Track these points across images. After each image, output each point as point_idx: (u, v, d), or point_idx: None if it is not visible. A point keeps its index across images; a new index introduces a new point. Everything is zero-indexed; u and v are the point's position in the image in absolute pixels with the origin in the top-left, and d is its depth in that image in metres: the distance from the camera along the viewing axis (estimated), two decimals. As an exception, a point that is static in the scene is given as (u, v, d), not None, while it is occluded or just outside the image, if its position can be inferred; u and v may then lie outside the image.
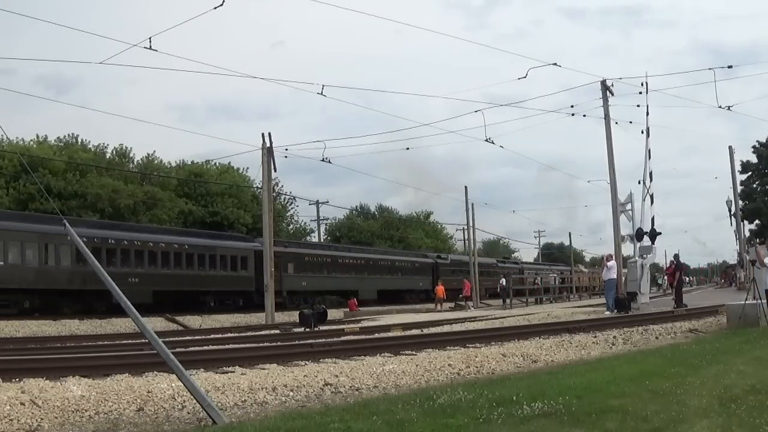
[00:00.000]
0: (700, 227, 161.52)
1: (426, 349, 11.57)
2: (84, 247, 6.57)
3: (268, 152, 25.16)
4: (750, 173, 49.94)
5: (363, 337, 15.12)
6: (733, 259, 51.50)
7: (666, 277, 34.85)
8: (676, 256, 24.33)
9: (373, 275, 42.27)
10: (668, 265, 28.52)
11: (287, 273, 34.40)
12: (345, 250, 44.47)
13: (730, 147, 38.55)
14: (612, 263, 21.44)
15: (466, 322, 20.18)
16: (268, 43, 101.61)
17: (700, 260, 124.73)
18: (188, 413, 6.40)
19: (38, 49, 65.15)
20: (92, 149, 42.34)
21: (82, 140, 42.36)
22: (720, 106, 22.19)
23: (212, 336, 17.78)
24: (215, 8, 15.41)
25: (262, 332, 19.06)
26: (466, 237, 49.28)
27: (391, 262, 46.06)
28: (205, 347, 12.76)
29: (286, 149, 26.32)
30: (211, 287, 31.14)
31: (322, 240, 56.31)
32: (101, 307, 24.94)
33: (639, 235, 21.40)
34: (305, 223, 57.17)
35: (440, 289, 38.36)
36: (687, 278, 61.45)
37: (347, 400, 7.13)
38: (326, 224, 61.14)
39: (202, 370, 8.86)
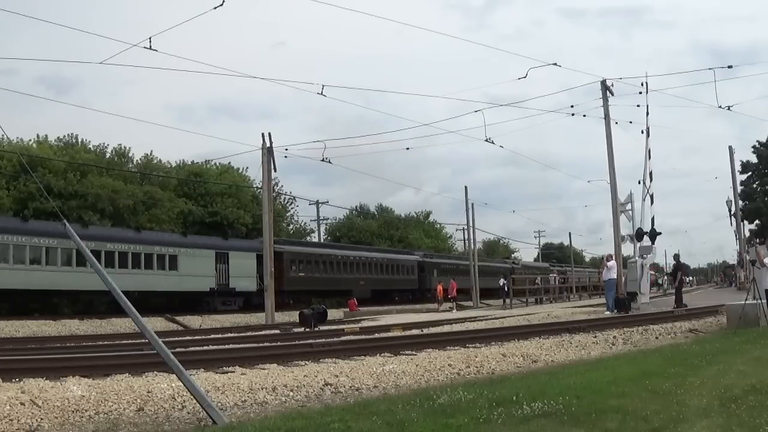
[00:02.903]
0: (700, 227, 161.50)
1: (426, 349, 11.57)
2: (84, 248, 6.56)
3: (268, 152, 25.16)
4: (750, 173, 49.91)
5: (363, 337, 15.13)
6: (733, 259, 51.56)
7: (667, 278, 34.90)
8: (676, 257, 24.36)
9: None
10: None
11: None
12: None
13: (730, 147, 38.61)
14: (612, 263, 21.44)
15: (466, 322, 20.18)
16: (268, 44, 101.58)
17: (700, 260, 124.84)
18: (188, 413, 6.40)
19: (39, 49, 65.21)
20: (92, 149, 42.31)
21: (82, 140, 42.35)
22: (720, 106, 22.20)
23: (212, 336, 17.78)
24: (215, 8, 15.44)
25: (262, 332, 19.06)
26: (466, 237, 49.62)
27: (487, 268, 51.54)
28: (205, 347, 12.77)
29: (286, 149, 26.38)
30: (396, 287, 44.46)
31: (322, 240, 56.31)
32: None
33: (639, 235, 21.39)
34: (305, 223, 57.19)
35: (440, 289, 38.42)
36: (688, 278, 61.61)
37: (347, 400, 7.13)
38: (326, 224, 61.22)
39: (202, 370, 8.86)
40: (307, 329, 18.88)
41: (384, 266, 44.45)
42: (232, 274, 33.51)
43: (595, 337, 13.26)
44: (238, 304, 33.27)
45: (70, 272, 26.54)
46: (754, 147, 49.50)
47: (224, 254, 33.62)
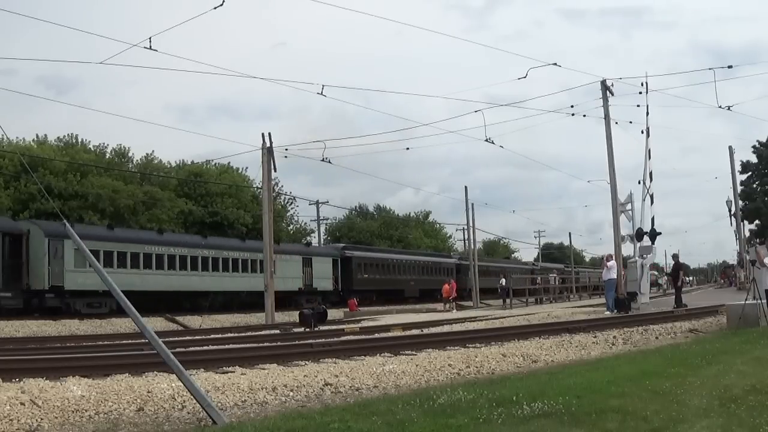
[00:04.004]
0: (700, 227, 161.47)
1: (426, 349, 11.57)
2: (84, 248, 6.56)
3: (268, 152, 25.14)
4: (750, 173, 49.88)
5: (363, 337, 15.12)
6: (733, 259, 51.56)
7: (667, 278, 34.87)
8: (675, 256, 24.33)
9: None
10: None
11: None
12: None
13: (730, 147, 38.59)
14: (612, 263, 21.44)
15: (466, 322, 20.18)
16: (268, 44, 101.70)
17: (700, 260, 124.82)
18: (188, 413, 6.40)
19: (38, 49, 65.25)
20: (92, 149, 42.31)
21: (82, 140, 42.37)
22: (720, 106, 22.16)
23: (212, 336, 17.77)
24: (215, 8, 15.42)
25: (262, 332, 19.06)
26: (466, 237, 49.87)
27: (511, 269, 53.67)
28: (205, 347, 12.76)
29: (286, 149, 26.33)
30: (439, 286, 42.46)
31: (322, 240, 56.34)
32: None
33: (639, 235, 21.38)
34: (305, 223, 57.19)
35: (446, 289, 37.77)
36: (688, 278, 61.64)
37: (347, 400, 7.13)
38: (326, 224, 61.23)
39: (202, 370, 8.85)
40: (307, 329, 18.88)
41: (429, 268, 48.32)
42: (315, 276, 39.01)
43: (595, 337, 13.26)
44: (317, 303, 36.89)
45: (198, 276, 32.03)
46: (754, 147, 49.48)
47: (309, 259, 39.28)
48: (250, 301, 31.90)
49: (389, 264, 45.57)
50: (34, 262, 26.06)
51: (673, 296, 21.65)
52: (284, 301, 33.50)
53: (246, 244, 35.46)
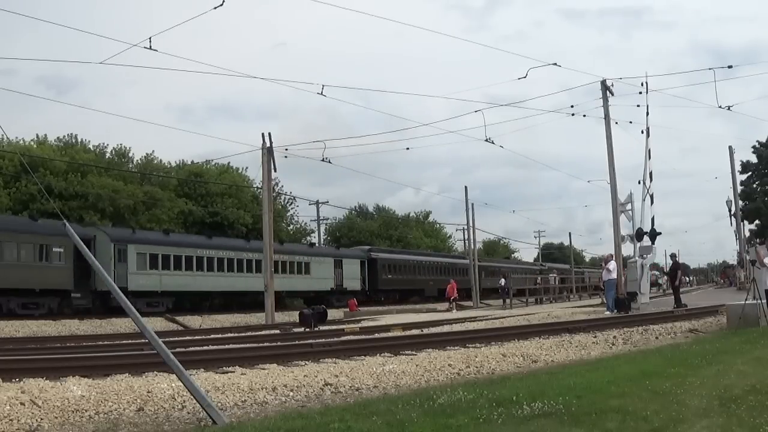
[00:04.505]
0: (700, 227, 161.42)
1: (426, 349, 11.57)
2: (84, 248, 6.57)
3: (268, 152, 25.14)
4: (750, 173, 49.90)
5: (363, 337, 15.12)
6: (733, 259, 51.56)
7: (666, 278, 34.83)
8: (674, 256, 24.33)
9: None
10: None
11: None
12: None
13: (730, 147, 38.58)
14: (612, 263, 21.45)
15: (466, 322, 20.18)
16: (268, 44, 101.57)
17: (700, 260, 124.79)
18: (188, 413, 6.40)
19: (39, 49, 65.09)
20: (92, 149, 42.30)
21: (81, 140, 42.36)
22: (720, 106, 22.17)
23: (212, 336, 17.78)
24: (215, 8, 15.43)
25: (262, 332, 19.06)
26: (466, 237, 50.03)
27: (521, 269, 55.81)
28: (205, 347, 12.77)
29: (286, 149, 26.31)
30: (466, 285, 44.19)
31: (322, 240, 56.33)
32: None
33: (639, 235, 21.38)
34: (305, 223, 57.16)
35: (451, 288, 37.29)
36: (687, 278, 61.61)
37: (347, 400, 7.13)
38: (326, 224, 61.19)
39: (202, 370, 8.86)
40: (307, 329, 18.88)
41: (446, 269, 49.80)
42: (345, 277, 41.73)
43: (595, 337, 13.26)
44: (345, 302, 38.93)
45: (243, 277, 34.54)
46: (754, 147, 49.49)
47: (339, 261, 41.99)
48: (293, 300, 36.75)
49: (411, 265, 48.06)
50: (101, 265, 26.74)
51: (673, 297, 21.63)
52: (316, 300, 36.12)
53: (284, 248, 38.12)
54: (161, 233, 33.40)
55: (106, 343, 15.55)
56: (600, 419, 4.82)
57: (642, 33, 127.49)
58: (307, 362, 9.97)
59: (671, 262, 24.54)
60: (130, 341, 14.83)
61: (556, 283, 45.91)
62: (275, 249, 35.23)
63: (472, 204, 44.83)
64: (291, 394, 7.53)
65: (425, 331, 16.68)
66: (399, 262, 47.21)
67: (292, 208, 53.92)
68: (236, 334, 18.45)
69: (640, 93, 20.96)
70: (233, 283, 34.19)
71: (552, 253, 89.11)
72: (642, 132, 21.53)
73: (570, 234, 67.48)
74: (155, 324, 23.59)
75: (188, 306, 31.62)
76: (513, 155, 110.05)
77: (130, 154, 44.68)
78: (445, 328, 17.44)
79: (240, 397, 7.20)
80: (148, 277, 29.81)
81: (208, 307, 32.56)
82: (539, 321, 18.75)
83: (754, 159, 49.65)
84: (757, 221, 48.76)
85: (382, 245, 56.57)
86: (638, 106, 21.43)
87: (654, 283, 36.77)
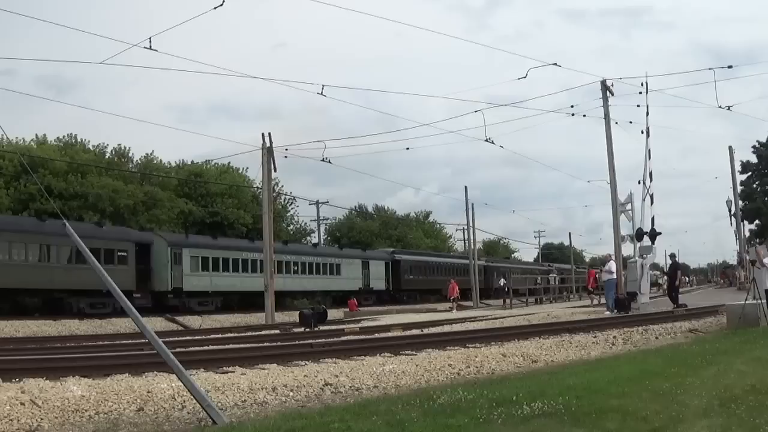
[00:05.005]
0: (700, 227, 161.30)
1: (426, 349, 11.57)
2: (84, 248, 6.56)
3: (268, 152, 25.14)
4: (750, 173, 49.94)
5: (363, 337, 15.12)
6: (733, 259, 51.53)
7: (665, 278, 34.78)
8: (673, 256, 24.32)
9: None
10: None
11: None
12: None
13: (730, 147, 38.55)
14: (612, 264, 21.41)
15: (466, 322, 20.18)
16: (268, 44, 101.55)
17: (700, 260, 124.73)
18: (188, 413, 6.40)
19: (39, 49, 64.93)
20: (92, 149, 42.28)
21: (81, 140, 42.34)
22: (720, 106, 22.15)
23: (212, 336, 17.78)
24: (215, 8, 15.42)
25: (262, 332, 19.06)
26: (466, 237, 50.17)
27: (529, 270, 57.22)
28: (205, 347, 12.77)
29: (286, 149, 26.31)
30: (467, 285, 44.74)
31: (322, 241, 56.31)
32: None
33: (639, 235, 21.34)
34: (305, 223, 57.17)
35: (452, 288, 37.06)
36: (687, 278, 61.53)
37: (347, 400, 7.13)
38: (326, 224, 61.18)
39: (202, 370, 8.86)
40: (307, 329, 18.88)
41: (463, 269, 50.20)
42: (371, 277, 44.70)
43: (595, 337, 13.25)
44: (373, 300, 43.41)
45: (282, 278, 35.61)
46: (754, 147, 49.53)
47: (366, 262, 44.87)
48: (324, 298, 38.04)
49: (431, 266, 50.61)
50: (158, 267, 31.01)
51: (675, 297, 21.59)
52: (344, 299, 38.63)
53: (318, 250, 42.41)
54: (210, 238, 35.89)
55: (106, 343, 15.55)
56: (600, 419, 4.82)
57: (642, 33, 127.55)
58: (307, 362, 9.96)
59: (670, 262, 24.51)
60: (130, 341, 14.83)
61: (556, 283, 45.91)
62: (312, 252, 41.52)
63: (472, 204, 44.96)
64: (291, 394, 7.53)
65: (425, 331, 16.68)
66: (420, 264, 49.80)
67: (292, 208, 53.98)
68: (236, 334, 18.45)
69: (640, 93, 20.92)
70: (275, 283, 35.98)
71: (552, 253, 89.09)
72: (642, 132, 21.49)
73: (570, 234, 67.41)
74: (155, 324, 23.59)
75: (234, 305, 33.57)
76: (513, 155, 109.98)
77: (130, 154, 44.72)
78: (445, 328, 17.44)
79: (240, 397, 7.20)
80: (200, 278, 32.28)
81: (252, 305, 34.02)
82: (539, 321, 18.74)
83: (754, 159, 49.69)
84: (757, 221, 48.80)
85: (382, 245, 56.64)
86: (638, 106, 21.40)
87: (654, 283, 36.76)
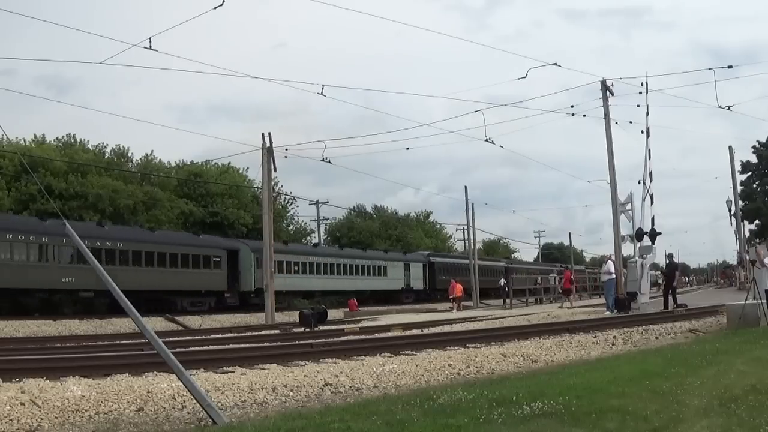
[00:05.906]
0: (700, 227, 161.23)
1: (426, 349, 11.57)
2: (84, 248, 6.57)
3: (268, 152, 25.15)
4: (750, 173, 49.92)
5: (363, 337, 15.12)
6: (733, 259, 51.53)
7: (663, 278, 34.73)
8: (671, 256, 24.30)
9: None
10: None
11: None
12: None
13: (730, 147, 38.54)
14: (610, 264, 21.39)
15: (466, 322, 20.18)
16: (268, 45, 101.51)
17: (700, 260, 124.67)
18: (188, 413, 6.40)
19: (39, 49, 65.04)
20: (92, 149, 42.28)
21: (81, 140, 42.34)
22: (720, 106, 22.16)
23: (212, 336, 17.78)
24: (215, 8, 15.42)
25: (262, 332, 19.07)
26: (466, 237, 50.36)
27: (541, 270, 58.14)
28: (205, 347, 12.76)
29: (286, 149, 26.33)
30: (493, 286, 47.64)
31: (322, 241, 56.29)
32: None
33: (639, 235, 21.34)
34: (305, 223, 57.16)
35: (458, 288, 36.61)
36: (686, 278, 61.49)
37: (347, 400, 7.13)
38: (326, 224, 61.18)
39: (202, 370, 8.85)
40: (307, 329, 18.89)
41: (488, 270, 53.53)
42: (411, 278, 48.67)
43: (595, 337, 13.25)
44: (412, 298, 47.43)
45: (336, 279, 41.23)
46: (754, 147, 49.51)
47: (407, 264, 49.06)
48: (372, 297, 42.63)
49: (462, 267, 52.06)
50: (243, 270, 34.99)
51: (672, 297, 21.58)
52: (388, 299, 43.52)
53: (368, 254, 46.35)
54: (282, 244, 38.27)
55: (106, 343, 15.54)
56: (600, 419, 4.82)
57: (642, 33, 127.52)
58: (307, 362, 9.96)
59: (668, 262, 24.50)
60: (130, 341, 14.83)
61: (557, 283, 45.87)
62: (364, 255, 45.91)
63: (472, 204, 45.06)
64: (291, 394, 7.53)
65: (425, 331, 16.68)
66: (452, 265, 53.26)
67: (292, 208, 53.97)
68: (236, 334, 18.46)
69: (640, 93, 20.92)
70: (329, 284, 40.73)
71: (552, 253, 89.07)
72: (642, 132, 21.48)
73: (570, 234, 67.49)
74: (155, 324, 23.58)
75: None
76: (513, 155, 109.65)
77: (130, 154, 44.71)
78: (445, 328, 17.45)
79: (240, 397, 7.20)
80: (277, 280, 33.98)
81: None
82: (539, 321, 18.75)
83: (754, 159, 49.68)
84: (757, 221, 48.79)
85: (382, 245, 56.70)
86: (638, 106, 21.39)
87: (654, 283, 36.75)
